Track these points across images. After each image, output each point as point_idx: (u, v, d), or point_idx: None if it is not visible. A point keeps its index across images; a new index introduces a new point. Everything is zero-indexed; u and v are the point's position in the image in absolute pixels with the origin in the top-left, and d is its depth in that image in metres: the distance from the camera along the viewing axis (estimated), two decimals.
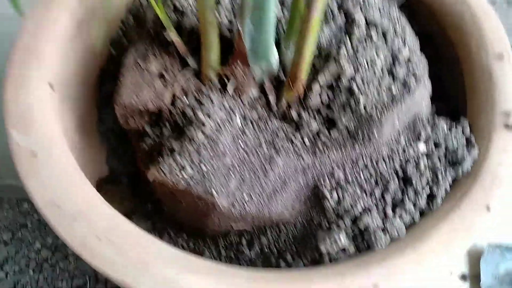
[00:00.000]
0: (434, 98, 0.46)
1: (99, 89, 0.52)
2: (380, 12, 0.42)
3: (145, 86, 0.41)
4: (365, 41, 0.40)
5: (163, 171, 0.36)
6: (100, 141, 0.51)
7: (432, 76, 0.46)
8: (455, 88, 0.45)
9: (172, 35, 0.39)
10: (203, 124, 0.37)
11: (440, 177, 0.37)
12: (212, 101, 0.40)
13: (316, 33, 0.34)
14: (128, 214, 0.44)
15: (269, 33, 0.38)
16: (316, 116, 0.40)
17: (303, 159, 0.37)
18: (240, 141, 0.37)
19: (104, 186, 0.48)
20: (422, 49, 0.47)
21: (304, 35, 0.33)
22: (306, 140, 0.38)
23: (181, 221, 0.42)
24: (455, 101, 0.45)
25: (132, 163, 0.49)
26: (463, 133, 0.39)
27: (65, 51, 0.44)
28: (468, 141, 0.39)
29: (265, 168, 0.37)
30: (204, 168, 0.36)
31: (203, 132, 0.37)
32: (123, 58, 0.42)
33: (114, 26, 0.53)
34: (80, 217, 0.33)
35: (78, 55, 0.47)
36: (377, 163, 0.37)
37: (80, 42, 0.47)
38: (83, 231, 0.32)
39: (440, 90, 0.48)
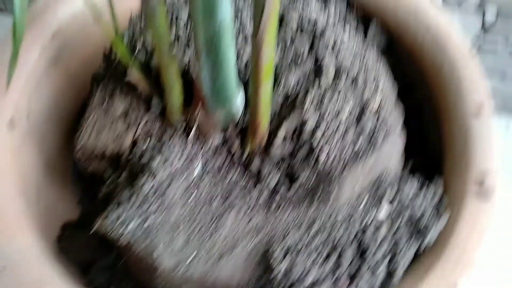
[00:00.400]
0: (414, 151, 0.41)
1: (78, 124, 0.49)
2: (353, 57, 0.38)
3: (106, 129, 0.38)
4: (333, 89, 0.36)
5: (106, 223, 0.32)
6: (75, 180, 0.47)
7: (414, 127, 0.42)
8: (436, 142, 0.40)
9: (133, 76, 0.36)
10: (154, 174, 0.33)
11: (402, 247, 0.32)
12: (172, 147, 0.37)
13: (270, 79, 0.29)
14: (88, 265, 0.40)
15: (228, 76, 0.34)
16: (277, 169, 0.35)
17: (255, 218, 0.33)
18: (192, 194, 0.34)
19: (69, 231, 0.44)
20: (404, 97, 0.43)
21: (257, 80, 0.29)
22: (262, 196, 0.34)
23: (135, 276, 0.38)
24: (435, 156, 0.39)
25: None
26: (433, 196, 0.34)
27: (35, 86, 0.41)
28: (438, 206, 0.34)
29: (215, 226, 0.33)
30: (148, 222, 0.32)
31: (152, 183, 0.33)
32: (88, 100, 0.39)
33: (97, 61, 0.50)
34: (8, 270, 0.29)
35: (54, 90, 0.45)
36: (333, 227, 0.32)
37: (57, 77, 0.44)
38: None
39: (421, 143, 0.43)
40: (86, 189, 0.47)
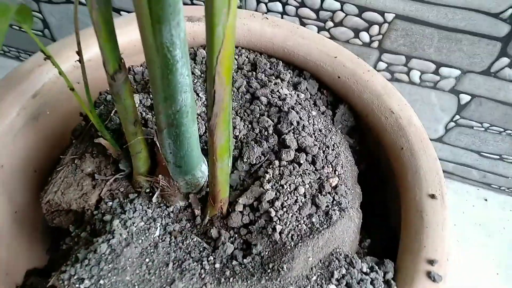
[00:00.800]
0: (375, 229, 0.43)
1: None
2: (315, 137, 0.41)
3: (74, 185, 0.39)
4: (293, 166, 0.38)
5: (62, 279, 0.33)
6: (46, 228, 0.48)
7: (379, 203, 0.44)
8: (397, 222, 0.42)
9: (101, 139, 0.38)
10: (113, 235, 0.35)
11: None
12: (135, 208, 0.38)
13: (225, 159, 0.32)
14: None
15: (191, 148, 0.36)
16: (235, 237, 0.37)
17: (206, 286, 0.33)
18: (147, 257, 0.35)
19: (32, 278, 0.45)
20: (371, 174, 0.45)
21: (213, 160, 0.31)
22: (217, 263, 0.35)
23: None
24: (395, 236, 0.41)
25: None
26: (384, 277, 0.35)
27: (10, 140, 0.43)
28: (388, 287, 0.35)
29: None
30: (101, 282, 0.33)
31: (108, 244, 0.34)
32: (61, 157, 0.41)
33: (78, 118, 0.53)
34: None
35: (31, 143, 0.47)
36: None
37: (35, 132, 0.47)
38: None
39: (383, 221, 0.45)
40: (55, 239, 0.48)
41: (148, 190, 0.41)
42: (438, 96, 0.70)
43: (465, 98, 0.69)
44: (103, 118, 0.44)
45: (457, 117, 0.73)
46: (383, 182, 0.48)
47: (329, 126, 0.45)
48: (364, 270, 0.36)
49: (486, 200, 0.84)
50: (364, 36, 0.64)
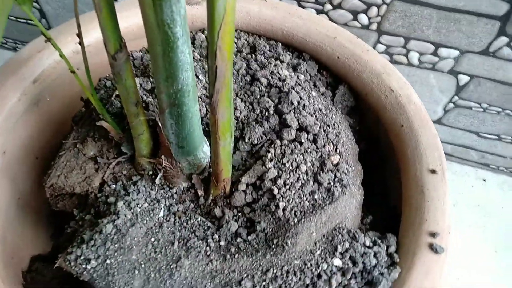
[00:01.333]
0: (375, 207, 0.44)
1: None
2: (316, 117, 0.41)
3: (77, 169, 0.40)
4: (294, 145, 0.38)
5: (69, 260, 0.34)
6: (49, 215, 0.49)
7: (378, 181, 0.44)
8: (397, 199, 0.42)
9: (103, 123, 0.38)
10: (117, 215, 0.35)
11: None
12: (138, 190, 0.39)
13: (227, 137, 0.32)
14: None
15: (192, 128, 0.37)
16: (239, 215, 0.37)
17: (212, 262, 0.34)
18: (153, 236, 0.35)
19: (37, 264, 0.45)
20: (371, 154, 0.46)
21: (215, 139, 0.32)
22: (222, 241, 0.36)
23: None
24: (396, 213, 0.42)
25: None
26: (387, 250, 0.36)
27: (12, 126, 0.43)
28: (390, 259, 0.36)
29: (172, 268, 0.34)
30: (108, 262, 0.34)
31: (114, 224, 0.34)
32: (63, 141, 0.42)
33: (78, 105, 0.53)
34: None
35: (32, 130, 0.47)
36: (287, 275, 0.34)
37: (36, 118, 0.47)
38: None
39: (384, 199, 0.46)
40: (58, 225, 0.49)
41: (151, 173, 0.41)
42: (436, 78, 0.71)
43: (463, 78, 0.69)
44: (104, 102, 0.44)
45: (456, 98, 0.73)
46: (382, 161, 0.48)
47: (329, 106, 0.45)
48: (367, 244, 0.36)
49: (484, 180, 0.85)
50: (363, 18, 0.64)
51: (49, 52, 0.45)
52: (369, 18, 0.63)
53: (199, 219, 0.38)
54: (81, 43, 0.35)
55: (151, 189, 0.39)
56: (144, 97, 0.44)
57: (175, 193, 0.40)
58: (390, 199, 0.46)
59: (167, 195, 0.40)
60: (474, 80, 0.69)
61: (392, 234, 0.38)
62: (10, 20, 0.85)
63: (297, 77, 0.47)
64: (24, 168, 0.46)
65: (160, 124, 0.35)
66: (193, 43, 0.51)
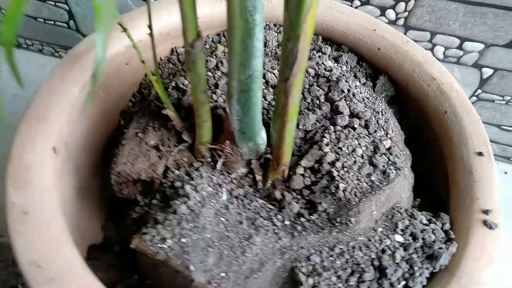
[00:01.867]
0: (419, 193, 0.46)
1: (106, 155, 0.53)
2: (364, 104, 0.43)
3: (141, 157, 0.42)
4: (348, 130, 0.41)
5: (144, 240, 0.36)
6: (100, 206, 0.51)
7: (420, 171, 0.46)
8: (441, 184, 0.45)
9: (168, 111, 0.41)
10: (188, 197, 0.37)
11: (416, 270, 0.36)
12: (201, 175, 0.41)
13: (294, 120, 0.35)
14: (112, 284, 0.43)
15: (255, 115, 0.39)
16: (299, 198, 0.40)
17: (281, 240, 0.37)
18: (222, 216, 0.38)
19: (94, 252, 0.48)
20: (411, 143, 0.48)
21: (283, 121, 0.34)
22: (286, 221, 0.38)
23: None
24: (440, 197, 0.44)
25: (125, 232, 0.49)
26: (442, 228, 0.39)
27: (74, 118, 0.46)
28: (446, 236, 0.38)
29: (243, 246, 0.36)
30: (183, 240, 0.36)
31: (186, 205, 0.37)
32: (126, 129, 0.44)
33: (126, 99, 0.55)
34: (57, 280, 0.32)
35: (88, 122, 0.49)
36: (353, 251, 0.36)
37: (93, 111, 0.49)
38: None
39: (426, 186, 0.48)
40: (110, 217, 0.51)
41: (209, 160, 0.44)
42: (461, 71, 0.73)
43: (487, 72, 0.72)
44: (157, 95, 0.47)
45: (479, 91, 0.76)
46: (423, 148, 0.51)
47: (374, 95, 0.47)
48: (424, 222, 0.39)
49: (506, 173, 0.88)
50: (390, 13, 0.66)
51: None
52: (397, 14, 0.66)
53: (260, 201, 0.41)
54: (151, 33, 0.37)
55: (212, 175, 0.42)
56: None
57: (234, 178, 0.42)
58: (433, 183, 0.48)
59: (226, 180, 0.42)
60: (498, 73, 0.72)
61: (443, 213, 0.41)
62: (39, 22, 0.88)
63: (340, 68, 0.50)
64: (83, 159, 0.48)
65: (228, 110, 0.37)
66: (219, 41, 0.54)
